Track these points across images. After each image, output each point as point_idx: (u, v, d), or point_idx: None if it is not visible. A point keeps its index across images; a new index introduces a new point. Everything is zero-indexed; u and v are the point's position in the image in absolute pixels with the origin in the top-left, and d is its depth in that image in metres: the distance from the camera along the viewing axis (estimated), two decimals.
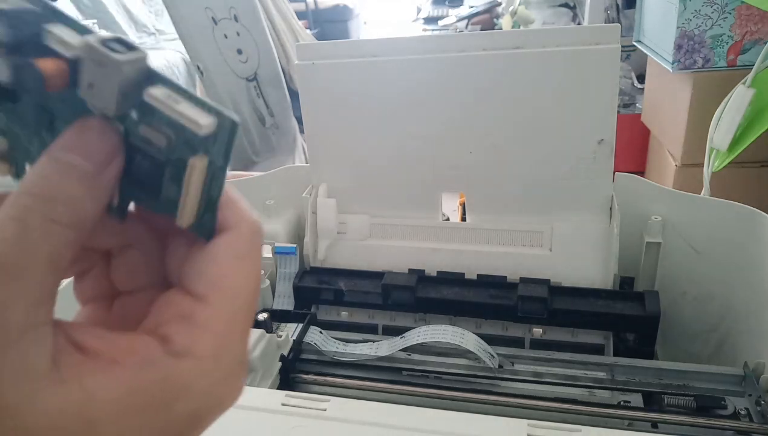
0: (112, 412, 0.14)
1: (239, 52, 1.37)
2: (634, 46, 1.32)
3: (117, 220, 0.18)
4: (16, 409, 0.13)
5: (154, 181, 0.17)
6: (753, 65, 0.82)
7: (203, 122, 0.16)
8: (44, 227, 0.14)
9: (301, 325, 0.55)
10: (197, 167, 0.16)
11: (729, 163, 0.87)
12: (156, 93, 0.16)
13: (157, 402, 0.15)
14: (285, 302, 0.63)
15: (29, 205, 0.14)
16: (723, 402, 0.46)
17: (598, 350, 0.56)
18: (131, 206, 0.19)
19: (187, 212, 0.17)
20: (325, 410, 0.43)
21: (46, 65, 0.15)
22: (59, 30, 0.16)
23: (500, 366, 0.51)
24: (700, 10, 1.05)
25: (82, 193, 0.15)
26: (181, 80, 3.50)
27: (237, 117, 0.16)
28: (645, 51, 1.27)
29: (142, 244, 0.19)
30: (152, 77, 0.16)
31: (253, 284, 0.18)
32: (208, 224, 0.18)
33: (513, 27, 2.01)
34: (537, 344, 0.57)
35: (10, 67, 0.15)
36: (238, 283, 0.17)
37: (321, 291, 0.61)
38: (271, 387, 0.50)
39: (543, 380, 0.50)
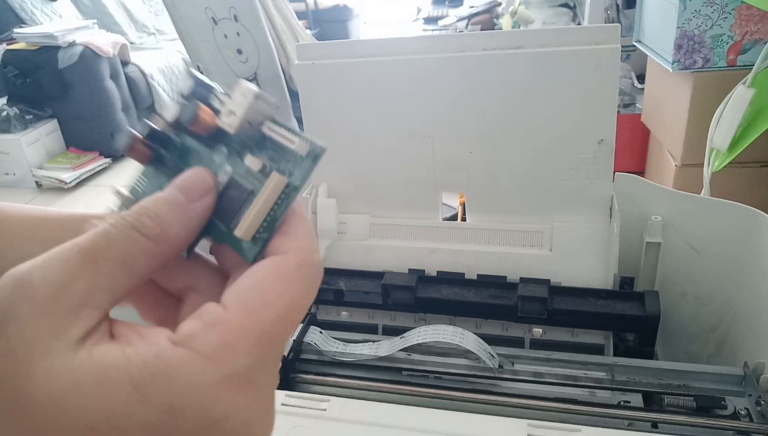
0: (95, 379, 0.15)
1: (239, 52, 1.37)
2: (634, 46, 1.32)
3: (183, 255, 0.21)
4: (31, 364, 0.15)
5: (234, 209, 0.20)
6: (753, 65, 0.82)
7: (299, 142, 0.20)
8: (127, 231, 0.17)
9: (301, 325, 0.55)
10: (275, 181, 0.19)
11: (729, 163, 0.87)
12: (271, 124, 0.21)
13: (140, 381, 0.15)
14: None
15: (124, 214, 0.18)
16: (723, 402, 0.46)
17: (598, 350, 0.56)
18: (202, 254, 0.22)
19: (249, 223, 0.19)
20: (325, 410, 0.43)
21: (204, 109, 0.21)
22: (222, 95, 0.21)
23: (500, 366, 0.51)
24: (700, 10, 1.05)
25: (168, 214, 0.18)
26: (182, 80, 3.50)
27: (325, 145, 0.20)
28: (645, 51, 1.27)
29: (207, 287, 0.20)
30: (274, 118, 0.21)
31: (285, 309, 0.17)
32: (259, 245, 0.19)
33: (513, 27, 2.01)
34: (537, 344, 0.57)
35: (179, 106, 0.21)
36: (265, 300, 0.17)
37: (321, 291, 0.61)
38: None
39: (543, 380, 0.50)
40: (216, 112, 0.21)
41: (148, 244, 0.17)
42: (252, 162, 0.20)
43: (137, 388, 0.15)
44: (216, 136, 0.21)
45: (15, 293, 0.15)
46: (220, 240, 0.20)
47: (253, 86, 0.20)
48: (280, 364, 0.19)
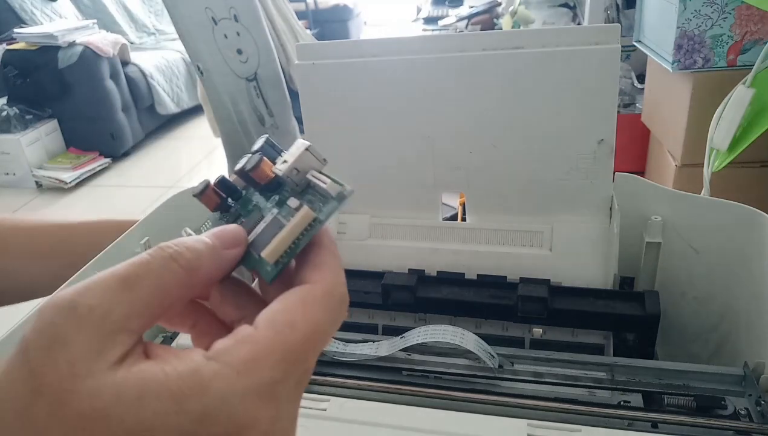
0: (136, 392, 0.17)
1: (239, 52, 1.37)
2: (634, 46, 1.32)
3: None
4: (75, 381, 0.16)
5: (267, 240, 0.22)
6: (753, 65, 0.82)
7: (331, 184, 0.23)
8: (164, 261, 0.19)
9: None
10: (303, 213, 0.22)
11: (729, 163, 0.87)
12: (315, 173, 0.24)
13: (177, 393, 0.17)
14: None
15: (162, 246, 0.19)
16: (723, 402, 0.46)
17: (598, 350, 0.56)
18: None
19: (274, 247, 0.22)
20: (325, 410, 0.43)
21: (265, 161, 0.24)
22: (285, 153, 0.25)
23: (500, 366, 0.51)
24: (700, 10, 1.05)
25: (204, 252, 0.20)
26: (181, 80, 3.50)
27: (353, 189, 0.23)
28: (645, 51, 1.27)
29: (254, 317, 0.21)
30: (320, 169, 0.24)
31: (309, 332, 0.19)
32: (279, 267, 0.22)
33: (513, 27, 2.01)
34: (537, 344, 0.57)
35: (248, 159, 0.24)
36: (292, 321, 0.19)
37: None
38: None
39: (543, 380, 0.50)
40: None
41: (183, 275, 0.19)
42: (292, 202, 0.23)
43: (174, 399, 0.17)
44: (272, 187, 0.24)
45: (60, 318, 0.17)
46: (250, 266, 0.23)
47: (306, 142, 0.24)
48: (305, 386, 0.20)
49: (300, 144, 0.24)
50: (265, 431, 0.18)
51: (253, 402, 0.17)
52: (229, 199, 0.25)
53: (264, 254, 0.22)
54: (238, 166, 0.24)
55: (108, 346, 0.17)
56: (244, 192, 0.26)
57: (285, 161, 0.24)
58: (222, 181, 0.25)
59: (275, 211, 0.24)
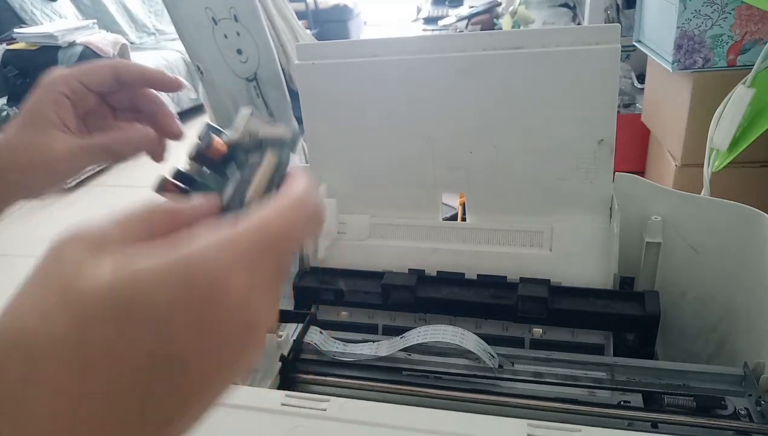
0: (132, 273, 0.19)
1: (239, 52, 1.37)
2: (634, 46, 1.32)
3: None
4: (83, 268, 0.19)
5: (243, 193, 0.25)
6: (753, 65, 0.82)
7: (283, 130, 0.27)
8: (151, 208, 0.23)
9: (301, 325, 0.55)
10: (269, 156, 0.26)
11: (729, 163, 0.87)
12: (265, 129, 0.27)
13: (163, 268, 0.19)
14: (285, 302, 0.63)
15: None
16: (723, 402, 0.46)
17: (598, 350, 0.56)
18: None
19: (257, 185, 0.25)
20: (325, 410, 0.43)
21: (216, 138, 0.27)
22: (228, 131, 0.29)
23: (500, 366, 0.51)
24: (700, 10, 1.05)
25: (184, 203, 0.24)
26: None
27: (298, 129, 0.27)
28: (645, 51, 1.27)
29: None
30: (266, 128, 0.27)
31: (283, 225, 0.22)
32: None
33: (513, 27, 2.01)
34: (537, 344, 0.57)
35: (198, 143, 0.27)
36: (267, 218, 0.22)
37: (321, 291, 0.61)
38: (271, 387, 0.50)
39: (543, 380, 0.50)
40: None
41: (167, 217, 0.23)
42: (254, 158, 0.26)
43: (159, 271, 0.19)
44: (226, 159, 0.27)
45: (66, 238, 0.20)
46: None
47: (248, 108, 0.27)
48: (283, 277, 0.22)
49: (243, 113, 0.27)
50: (243, 294, 0.20)
51: (230, 269, 0.20)
52: (188, 188, 0.28)
53: (249, 195, 0.25)
54: (192, 153, 0.27)
55: (107, 252, 0.20)
56: (198, 178, 0.28)
57: (236, 130, 0.27)
58: (177, 173, 0.27)
59: (238, 175, 0.26)
